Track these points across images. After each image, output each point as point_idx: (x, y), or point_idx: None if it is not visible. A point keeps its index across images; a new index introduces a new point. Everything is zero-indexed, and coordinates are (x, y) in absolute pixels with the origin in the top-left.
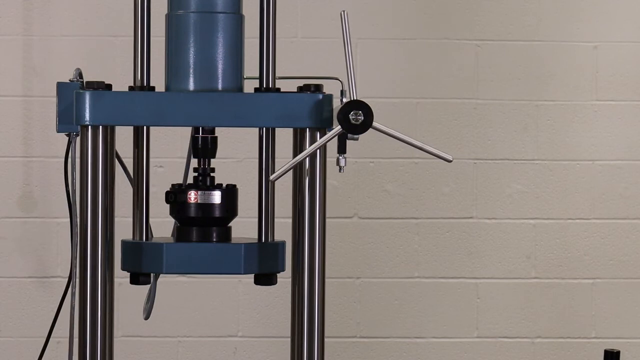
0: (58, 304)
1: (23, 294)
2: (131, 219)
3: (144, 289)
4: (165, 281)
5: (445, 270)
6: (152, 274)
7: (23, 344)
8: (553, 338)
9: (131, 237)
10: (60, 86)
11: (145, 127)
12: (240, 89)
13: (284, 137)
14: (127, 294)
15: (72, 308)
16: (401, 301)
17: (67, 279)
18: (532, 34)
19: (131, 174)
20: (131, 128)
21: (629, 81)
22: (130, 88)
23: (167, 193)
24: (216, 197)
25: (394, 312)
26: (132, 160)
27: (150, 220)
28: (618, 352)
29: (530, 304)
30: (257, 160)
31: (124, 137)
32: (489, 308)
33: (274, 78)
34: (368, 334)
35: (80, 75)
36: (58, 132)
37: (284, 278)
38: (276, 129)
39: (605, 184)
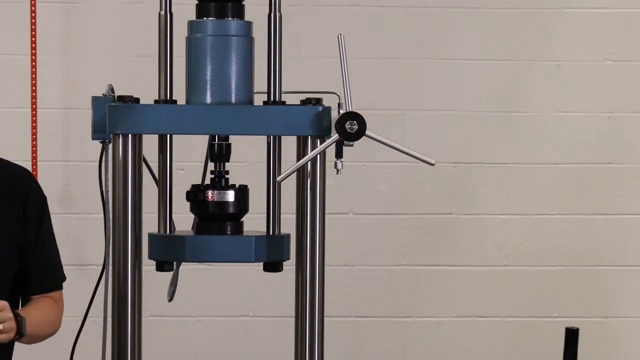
0: (94, 288)
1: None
2: (157, 215)
3: (168, 275)
4: (186, 268)
5: (428, 259)
6: (175, 262)
7: (64, 322)
8: (521, 317)
9: (157, 230)
10: (95, 100)
11: (168, 135)
12: (250, 102)
13: (289, 144)
14: (153, 279)
15: (106, 292)
16: (390, 285)
17: (101, 267)
18: (505, 53)
19: (156, 176)
20: (156, 136)
21: (587, 95)
22: (156, 101)
23: (187, 192)
24: (230, 195)
25: (384, 295)
26: (157, 164)
27: (173, 215)
28: (577, 330)
29: (502, 288)
30: (265, 164)
31: (150, 144)
32: (466, 292)
33: (280, 92)
34: (361, 314)
35: (112, 90)
36: (93, 139)
37: (289, 266)
38: (282, 136)
39: (566, 185)
